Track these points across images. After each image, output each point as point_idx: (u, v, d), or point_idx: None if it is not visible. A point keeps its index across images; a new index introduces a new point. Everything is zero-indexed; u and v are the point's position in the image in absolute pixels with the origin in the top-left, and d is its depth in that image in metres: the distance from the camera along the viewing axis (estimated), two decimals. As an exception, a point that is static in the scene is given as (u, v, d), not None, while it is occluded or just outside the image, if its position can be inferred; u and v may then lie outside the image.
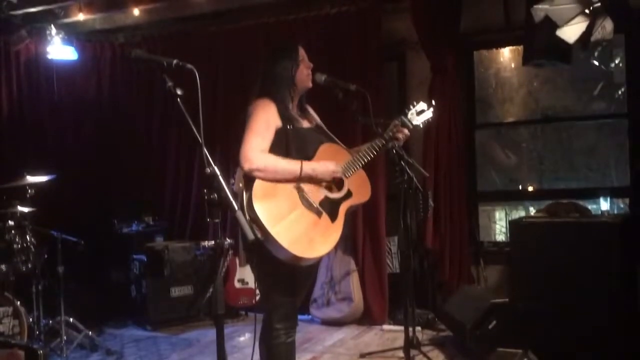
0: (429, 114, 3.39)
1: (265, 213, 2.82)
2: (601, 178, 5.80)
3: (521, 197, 6.22)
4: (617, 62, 5.83)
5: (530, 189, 6.16)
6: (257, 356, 3.11)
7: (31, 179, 4.78)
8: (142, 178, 6.78)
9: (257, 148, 2.92)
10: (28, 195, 4.79)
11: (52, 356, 4.68)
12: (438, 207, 5.47)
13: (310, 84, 3.19)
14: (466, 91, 5.88)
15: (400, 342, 4.51)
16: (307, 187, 3.00)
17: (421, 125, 3.39)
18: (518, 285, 4.43)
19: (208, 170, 2.30)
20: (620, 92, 5.81)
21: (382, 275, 5.69)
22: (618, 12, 3.84)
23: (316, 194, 3.02)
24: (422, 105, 3.38)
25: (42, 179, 4.85)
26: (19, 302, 4.54)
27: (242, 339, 5.29)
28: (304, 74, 3.16)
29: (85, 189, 6.48)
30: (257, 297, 5.57)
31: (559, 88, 6.02)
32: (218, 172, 2.29)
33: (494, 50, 6.13)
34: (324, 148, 3.14)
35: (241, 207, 2.81)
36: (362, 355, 4.72)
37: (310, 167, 2.99)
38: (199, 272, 6.02)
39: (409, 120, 3.33)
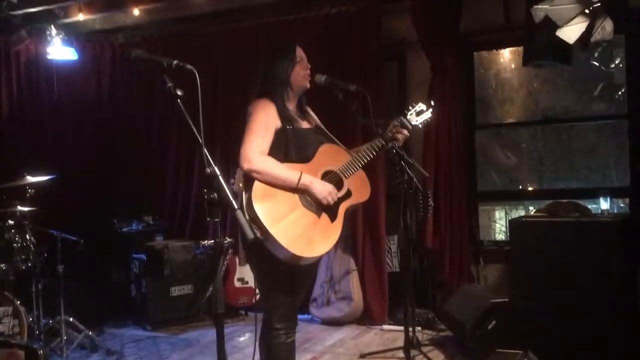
0: (428, 114, 3.40)
1: (264, 213, 2.83)
2: (601, 178, 5.80)
3: (521, 197, 6.21)
4: (617, 62, 5.83)
5: (530, 189, 6.15)
6: (257, 356, 3.11)
7: (31, 178, 4.78)
8: (142, 178, 6.78)
9: (257, 149, 2.93)
10: (28, 195, 4.80)
11: (52, 356, 4.68)
12: (438, 207, 5.47)
13: (307, 85, 3.19)
14: (466, 91, 5.88)
15: (400, 342, 4.51)
16: None
17: (420, 126, 3.40)
18: (518, 284, 4.43)
19: (208, 170, 2.30)
20: (620, 93, 5.80)
21: (382, 275, 5.69)
22: (618, 13, 3.84)
23: (316, 194, 3.02)
24: (421, 106, 3.39)
25: (42, 178, 4.85)
26: (18, 302, 4.54)
27: (242, 338, 5.29)
28: (300, 75, 3.15)
29: (85, 188, 6.48)
30: (257, 297, 5.57)
31: (559, 89, 6.02)
32: (218, 172, 2.29)
33: (494, 50, 6.13)
34: (324, 149, 3.14)
35: (241, 207, 2.82)
36: (362, 356, 4.72)
37: (309, 179, 2.98)
38: (199, 271, 6.02)
39: (409, 121, 3.34)
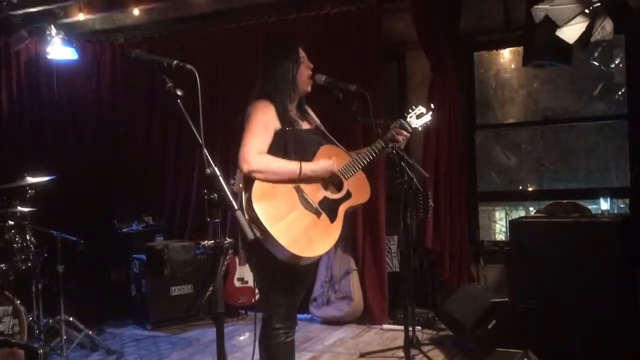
0: (428, 117, 3.42)
1: (264, 213, 2.83)
2: (601, 179, 5.80)
3: (521, 197, 6.21)
4: (617, 62, 5.83)
5: (531, 189, 6.15)
6: (257, 356, 3.11)
7: (31, 179, 4.78)
8: (142, 178, 6.78)
9: (255, 150, 2.92)
10: (28, 195, 4.79)
11: (52, 355, 4.68)
12: (438, 207, 5.47)
13: (309, 88, 3.19)
14: (466, 92, 5.88)
15: (400, 341, 4.52)
16: (306, 188, 3.01)
17: (420, 129, 3.42)
18: (518, 284, 4.43)
19: (208, 170, 2.31)
20: (620, 93, 5.80)
21: (382, 275, 5.69)
22: (618, 12, 3.84)
23: (315, 195, 3.03)
24: (421, 109, 3.41)
25: (42, 179, 4.85)
26: (18, 301, 4.54)
27: (242, 338, 5.29)
28: (305, 75, 3.16)
29: (85, 189, 6.48)
30: (257, 296, 5.58)
31: (558, 89, 6.02)
32: (218, 173, 2.29)
33: (494, 51, 6.13)
34: (323, 150, 3.14)
35: (240, 207, 2.82)
36: (362, 355, 4.72)
37: (309, 168, 3.00)
38: (199, 271, 6.02)
39: (409, 124, 3.35)
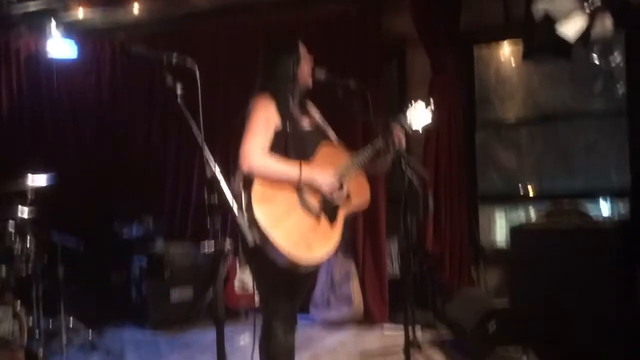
0: (428, 119, 3.41)
1: (263, 216, 2.81)
2: (601, 178, 5.78)
3: (521, 198, 6.19)
4: (617, 61, 5.80)
5: (530, 189, 6.13)
6: (256, 357, 3.10)
7: (32, 182, 4.75)
8: (142, 178, 6.76)
9: (256, 147, 2.91)
10: (28, 198, 4.77)
11: (52, 358, 4.67)
12: (438, 209, 5.46)
13: (311, 84, 3.18)
14: (466, 90, 5.86)
15: (401, 343, 4.48)
16: (306, 191, 2.99)
17: (420, 131, 3.40)
18: (518, 292, 4.42)
19: (209, 173, 2.29)
20: (620, 91, 5.78)
21: (383, 278, 5.67)
22: (618, 9, 3.83)
23: (316, 197, 3.01)
24: (421, 111, 3.39)
25: (42, 183, 4.82)
26: (19, 304, 4.52)
27: (242, 340, 5.27)
28: (305, 71, 3.14)
29: (85, 189, 6.47)
30: (257, 299, 5.56)
31: (558, 87, 5.99)
32: (219, 175, 2.28)
33: (494, 49, 6.11)
34: (323, 149, 3.13)
35: (240, 209, 2.80)
36: (363, 356, 4.71)
37: (309, 174, 2.97)
38: (199, 274, 6.00)
39: (409, 126, 3.34)
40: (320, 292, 5.73)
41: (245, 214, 2.80)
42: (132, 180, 6.74)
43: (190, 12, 6.45)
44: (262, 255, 2.86)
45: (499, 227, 6.18)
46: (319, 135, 3.19)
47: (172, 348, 5.22)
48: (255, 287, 3.17)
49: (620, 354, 3.92)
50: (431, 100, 3.46)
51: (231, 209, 2.28)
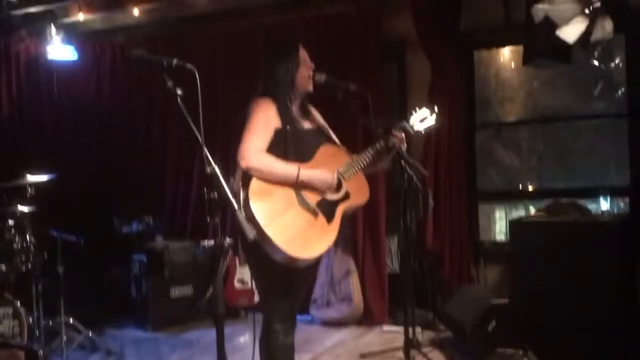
0: (432, 120, 3.42)
1: (260, 211, 2.83)
2: (601, 178, 5.79)
3: (521, 196, 6.21)
4: (617, 62, 5.82)
5: (530, 188, 6.15)
6: (257, 357, 3.11)
7: (31, 178, 4.77)
8: (142, 178, 6.78)
9: (254, 147, 2.93)
10: (28, 195, 4.78)
11: (52, 357, 4.67)
12: (438, 206, 5.47)
13: (311, 87, 3.19)
14: (466, 91, 5.87)
15: (400, 342, 4.50)
16: (304, 188, 3.00)
17: (423, 132, 3.42)
18: (518, 285, 4.43)
19: (208, 169, 2.31)
20: (620, 93, 5.79)
21: (382, 275, 5.68)
22: (618, 12, 3.84)
23: (313, 195, 3.02)
24: (425, 112, 3.41)
25: (42, 178, 4.84)
26: (18, 303, 4.53)
27: (242, 339, 5.28)
28: (304, 76, 3.15)
29: (86, 188, 6.47)
30: (257, 298, 5.57)
31: (558, 88, 6.01)
32: (218, 171, 2.29)
33: (494, 50, 6.13)
34: (323, 150, 3.14)
35: (239, 206, 2.81)
36: (362, 356, 4.72)
37: (307, 174, 2.98)
38: (199, 272, 6.01)
39: (411, 127, 3.35)
40: (320, 291, 5.74)
41: (242, 208, 2.81)
42: (132, 179, 6.75)
43: (190, 15, 6.46)
44: (259, 251, 2.87)
45: (499, 225, 6.20)
46: (320, 137, 3.20)
47: (172, 348, 5.22)
48: (254, 284, 3.17)
49: (621, 352, 3.93)
50: (435, 107, 3.47)
51: (231, 203, 2.29)
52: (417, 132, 3.40)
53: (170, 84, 2.37)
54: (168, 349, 5.21)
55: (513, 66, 6.16)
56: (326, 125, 3.32)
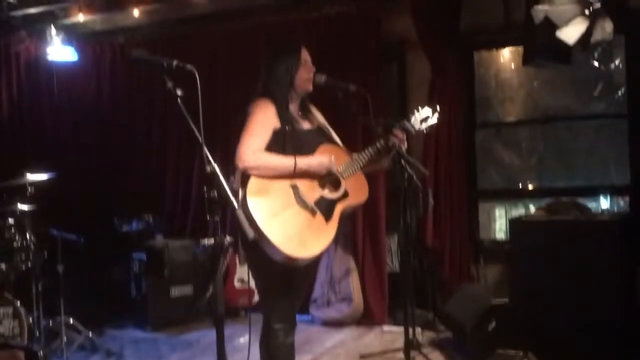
0: (434, 120, 3.42)
1: (258, 210, 2.83)
2: (601, 178, 5.79)
3: (521, 195, 6.22)
4: (617, 62, 5.82)
5: (530, 187, 6.15)
6: (252, 357, 3.09)
7: (31, 177, 4.77)
8: (142, 177, 6.78)
9: (251, 148, 2.93)
10: (28, 194, 4.78)
11: (52, 357, 4.67)
12: (438, 205, 5.47)
13: (310, 88, 3.19)
14: (466, 91, 5.88)
15: (400, 343, 4.49)
16: (302, 186, 3.00)
17: (425, 131, 3.42)
18: (518, 284, 4.43)
19: (208, 168, 2.31)
20: (620, 93, 5.80)
21: (382, 275, 5.69)
22: (618, 13, 3.85)
23: (312, 193, 3.02)
24: (427, 112, 3.40)
25: (42, 177, 4.84)
26: (18, 303, 4.54)
27: (242, 339, 5.28)
28: (304, 78, 3.15)
29: (86, 187, 6.48)
30: (256, 297, 5.57)
31: (558, 89, 6.01)
32: (218, 170, 2.30)
33: (494, 50, 6.13)
34: (322, 149, 3.14)
35: (238, 204, 2.81)
36: (362, 357, 4.72)
37: (304, 162, 2.99)
38: (199, 271, 6.01)
39: (412, 126, 3.35)
40: (320, 290, 5.74)
41: (240, 207, 2.82)
42: (132, 179, 6.76)
43: (190, 15, 6.46)
44: (258, 250, 2.87)
45: (499, 224, 6.20)
46: (319, 137, 3.21)
47: (172, 348, 5.22)
48: (254, 283, 3.17)
49: (621, 351, 3.93)
50: (437, 107, 3.47)
51: (231, 202, 2.30)
52: (419, 131, 3.39)
53: (170, 84, 2.38)
54: (168, 349, 5.21)
55: (513, 66, 6.16)
56: (327, 125, 3.33)
